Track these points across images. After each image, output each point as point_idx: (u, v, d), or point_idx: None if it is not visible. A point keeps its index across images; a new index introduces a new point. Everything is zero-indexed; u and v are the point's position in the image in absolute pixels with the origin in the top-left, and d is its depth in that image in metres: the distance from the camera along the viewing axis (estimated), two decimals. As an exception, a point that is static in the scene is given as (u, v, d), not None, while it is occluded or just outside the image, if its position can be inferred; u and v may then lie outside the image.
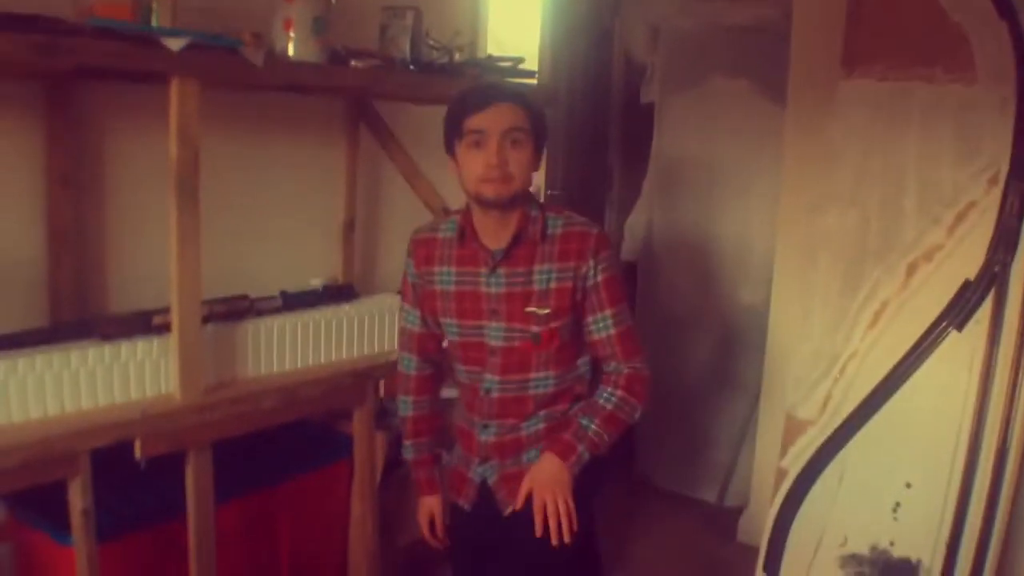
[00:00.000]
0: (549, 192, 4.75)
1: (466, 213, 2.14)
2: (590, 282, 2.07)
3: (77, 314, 2.70)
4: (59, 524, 2.28)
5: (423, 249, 2.22)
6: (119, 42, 2.11)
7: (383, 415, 3.06)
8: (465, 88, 2.21)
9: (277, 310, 2.80)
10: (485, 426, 2.19)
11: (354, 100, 3.44)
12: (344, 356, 2.88)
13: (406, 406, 2.36)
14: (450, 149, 2.15)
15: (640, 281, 4.48)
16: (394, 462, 3.15)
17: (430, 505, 2.35)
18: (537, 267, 2.07)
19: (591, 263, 2.06)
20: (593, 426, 2.06)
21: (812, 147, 3.46)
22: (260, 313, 2.74)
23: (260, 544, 2.79)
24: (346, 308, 2.93)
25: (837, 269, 2.83)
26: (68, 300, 2.70)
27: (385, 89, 2.88)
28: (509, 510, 2.14)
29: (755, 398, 4.07)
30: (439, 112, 3.59)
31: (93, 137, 2.80)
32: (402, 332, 2.37)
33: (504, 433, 2.18)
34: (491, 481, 2.21)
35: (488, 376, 2.15)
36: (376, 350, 2.98)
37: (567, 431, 2.08)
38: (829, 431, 2.77)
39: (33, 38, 1.96)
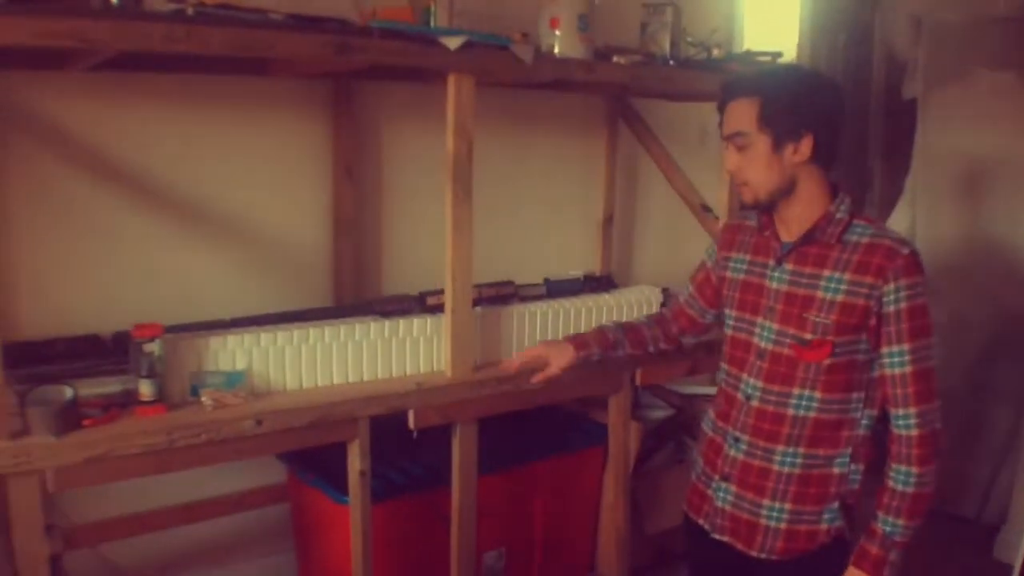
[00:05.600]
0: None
1: None
2: (889, 308, 1.81)
3: (356, 295, 2.96)
4: (336, 484, 2.51)
5: (729, 234, 2.14)
6: (403, 41, 2.28)
7: (637, 406, 3.12)
8: None
9: (541, 297, 2.95)
10: (736, 439, 1.99)
11: (613, 97, 3.55)
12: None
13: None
14: None
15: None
16: (647, 452, 3.21)
17: (559, 347, 2.32)
18: (828, 272, 1.86)
19: (892, 286, 1.80)
20: (900, 526, 1.84)
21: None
22: (525, 299, 2.89)
23: (516, 518, 2.93)
24: (606, 297, 3.03)
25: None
26: (349, 282, 2.96)
27: (645, 85, 2.95)
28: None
29: (1020, 409, 3.84)
30: (696, 108, 3.67)
31: (372, 133, 3.04)
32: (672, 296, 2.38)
33: (754, 454, 1.96)
34: (720, 505, 2.02)
35: (750, 380, 1.96)
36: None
37: (871, 539, 1.87)
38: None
39: (330, 38, 2.16)
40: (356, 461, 2.38)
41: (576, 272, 3.19)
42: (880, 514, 1.88)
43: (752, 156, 1.86)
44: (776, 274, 1.94)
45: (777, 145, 1.85)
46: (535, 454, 2.94)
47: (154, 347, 2.13)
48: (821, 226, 1.88)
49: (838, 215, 1.88)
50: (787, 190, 1.88)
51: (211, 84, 2.68)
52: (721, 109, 1.93)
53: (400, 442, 2.57)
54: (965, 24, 4.09)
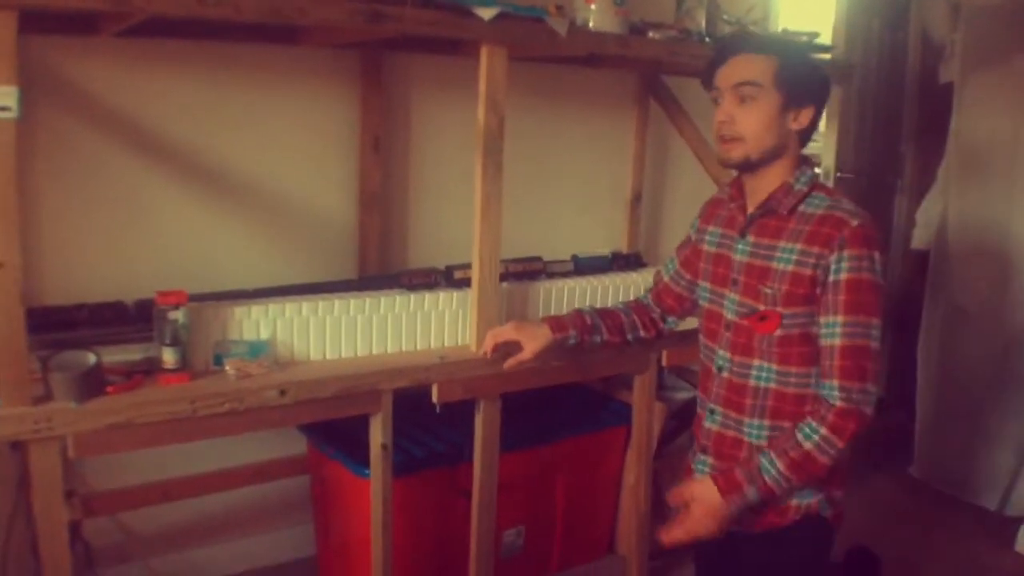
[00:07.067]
0: (838, 175, 4.58)
1: (739, 175, 1.99)
2: (830, 277, 1.79)
3: (381, 269, 2.94)
4: (356, 457, 2.49)
5: (711, 207, 2.14)
6: (437, 11, 2.23)
7: (662, 387, 3.09)
8: None
9: (568, 273, 2.93)
10: (712, 411, 2.01)
11: (645, 74, 3.49)
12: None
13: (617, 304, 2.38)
14: None
15: (930, 271, 4.26)
16: (670, 434, 3.19)
17: (534, 329, 2.25)
18: (782, 243, 1.85)
19: (836, 255, 1.77)
20: (774, 470, 1.79)
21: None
22: (552, 275, 2.88)
23: (538, 496, 2.91)
24: (633, 276, 3.01)
25: None
26: (374, 255, 2.94)
27: (679, 61, 2.89)
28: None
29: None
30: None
31: (401, 104, 3.01)
32: (656, 274, 2.34)
33: (728, 425, 1.97)
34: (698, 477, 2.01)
35: (720, 352, 1.98)
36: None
37: (745, 465, 1.84)
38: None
39: (363, 6, 2.12)
40: (378, 434, 2.35)
41: (604, 250, 3.16)
42: (767, 449, 1.84)
43: (755, 111, 1.83)
44: (740, 246, 1.95)
45: (785, 107, 1.84)
46: (558, 432, 2.92)
47: (178, 315, 2.11)
48: (777, 197, 1.88)
49: (796, 186, 1.88)
50: (775, 156, 1.87)
51: (239, 52, 2.65)
52: (722, 60, 1.88)
53: (423, 417, 2.55)
54: (1005, 8, 4.00)
